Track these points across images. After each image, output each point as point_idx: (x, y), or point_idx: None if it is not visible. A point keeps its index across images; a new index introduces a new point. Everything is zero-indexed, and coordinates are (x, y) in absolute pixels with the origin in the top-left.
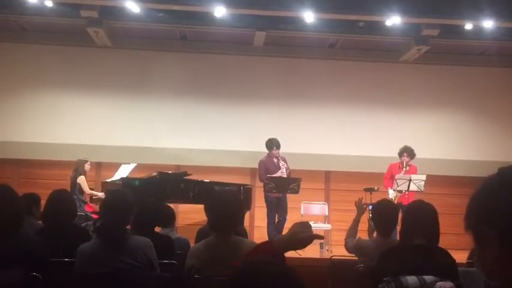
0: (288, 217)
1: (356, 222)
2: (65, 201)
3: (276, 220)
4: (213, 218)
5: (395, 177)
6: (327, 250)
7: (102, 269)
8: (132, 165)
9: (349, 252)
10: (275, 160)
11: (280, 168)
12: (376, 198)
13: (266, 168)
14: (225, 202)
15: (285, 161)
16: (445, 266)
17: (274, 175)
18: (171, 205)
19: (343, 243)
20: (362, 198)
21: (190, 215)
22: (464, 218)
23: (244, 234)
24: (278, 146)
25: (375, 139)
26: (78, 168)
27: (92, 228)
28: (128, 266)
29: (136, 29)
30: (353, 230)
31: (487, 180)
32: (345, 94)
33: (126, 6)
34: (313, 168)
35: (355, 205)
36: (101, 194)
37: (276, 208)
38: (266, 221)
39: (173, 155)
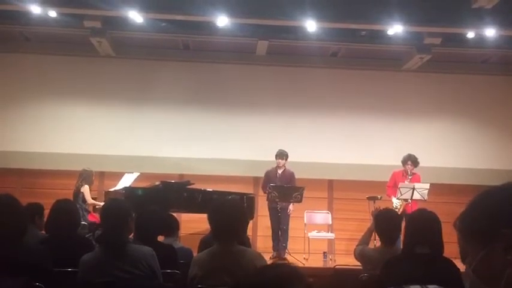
0: (291, 226)
1: (370, 231)
2: (68, 211)
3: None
4: (215, 227)
5: (399, 186)
6: (330, 259)
7: (105, 278)
8: (135, 175)
9: (355, 259)
10: (279, 171)
11: (280, 180)
12: (378, 206)
13: (268, 177)
14: (227, 211)
15: (287, 175)
16: (449, 275)
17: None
18: (174, 214)
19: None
20: (379, 207)
21: (193, 224)
22: (468, 219)
23: (247, 243)
24: (280, 157)
25: (378, 147)
26: (84, 177)
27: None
28: (130, 275)
29: (139, 38)
30: (365, 238)
31: (505, 186)
32: (347, 103)
33: (129, 17)
34: (316, 177)
35: (372, 215)
36: (103, 204)
37: (277, 216)
38: (269, 230)
39: (176, 164)
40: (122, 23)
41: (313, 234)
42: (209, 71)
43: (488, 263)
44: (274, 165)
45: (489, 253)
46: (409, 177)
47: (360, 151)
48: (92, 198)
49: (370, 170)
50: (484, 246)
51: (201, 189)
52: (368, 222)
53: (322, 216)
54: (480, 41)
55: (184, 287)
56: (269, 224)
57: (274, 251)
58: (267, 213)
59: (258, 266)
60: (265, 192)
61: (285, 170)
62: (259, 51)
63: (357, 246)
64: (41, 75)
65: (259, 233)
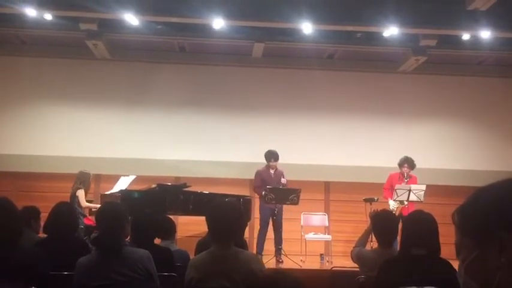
0: (287, 228)
1: (368, 232)
2: (68, 213)
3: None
4: (214, 228)
5: (395, 188)
6: (327, 261)
7: (101, 282)
8: (132, 177)
9: (352, 260)
10: (271, 171)
11: (275, 180)
12: (375, 208)
13: (262, 178)
14: (226, 212)
15: (282, 175)
16: (446, 277)
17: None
18: (171, 217)
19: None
20: (377, 209)
21: (189, 227)
22: (464, 216)
23: (244, 245)
24: (276, 158)
25: (374, 149)
26: (81, 181)
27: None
28: (126, 278)
29: (135, 41)
30: (363, 239)
31: (503, 184)
32: (343, 104)
33: (125, 19)
34: (313, 178)
35: (369, 216)
36: (99, 207)
37: (271, 220)
38: None
39: (172, 166)
40: (118, 26)
41: (310, 236)
42: (205, 73)
43: (481, 264)
44: (264, 166)
45: (483, 253)
46: (406, 179)
47: (356, 153)
48: (88, 201)
49: (366, 172)
50: (478, 246)
51: (197, 192)
52: (365, 224)
53: (319, 218)
54: (475, 42)
55: None
56: None
57: (259, 253)
58: None
59: (258, 270)
60: (259, 193)
61: (276, 169)
62: (255, 53)
63: (354, 247)
64: (37, 78)
65: (256, 235)
